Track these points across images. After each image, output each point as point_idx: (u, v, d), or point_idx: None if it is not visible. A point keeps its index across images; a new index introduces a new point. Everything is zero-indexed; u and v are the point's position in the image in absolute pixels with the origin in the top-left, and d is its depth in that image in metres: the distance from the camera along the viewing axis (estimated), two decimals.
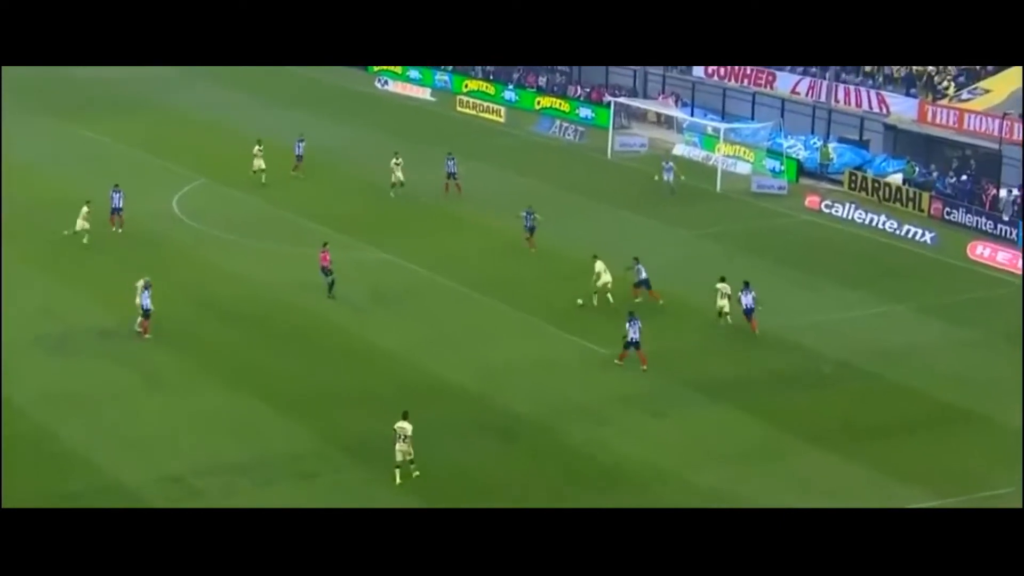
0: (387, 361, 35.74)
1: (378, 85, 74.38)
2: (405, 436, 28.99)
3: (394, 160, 50.72)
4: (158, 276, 37.37)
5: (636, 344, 35.02)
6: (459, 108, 68.63)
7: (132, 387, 33.86)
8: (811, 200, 52.46)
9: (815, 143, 58.60)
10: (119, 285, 39.17)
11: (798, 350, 37.15)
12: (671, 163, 53.23)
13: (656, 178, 52.88)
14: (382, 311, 39.74)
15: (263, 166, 51.63)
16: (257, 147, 52.24)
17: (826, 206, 51.79)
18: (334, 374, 34.84)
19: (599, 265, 39.33)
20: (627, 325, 35.08)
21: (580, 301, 39.37)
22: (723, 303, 38.02)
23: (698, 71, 65.30)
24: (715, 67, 64.06)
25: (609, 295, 39.30)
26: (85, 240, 43.52)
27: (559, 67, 72.37)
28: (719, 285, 38.30)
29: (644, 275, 39.50)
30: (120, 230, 45.20)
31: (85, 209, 43.82)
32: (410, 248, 45.15)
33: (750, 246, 46.92)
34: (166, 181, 52.45)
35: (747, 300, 37.82)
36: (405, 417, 29.23)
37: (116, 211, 45.22)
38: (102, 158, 57.01)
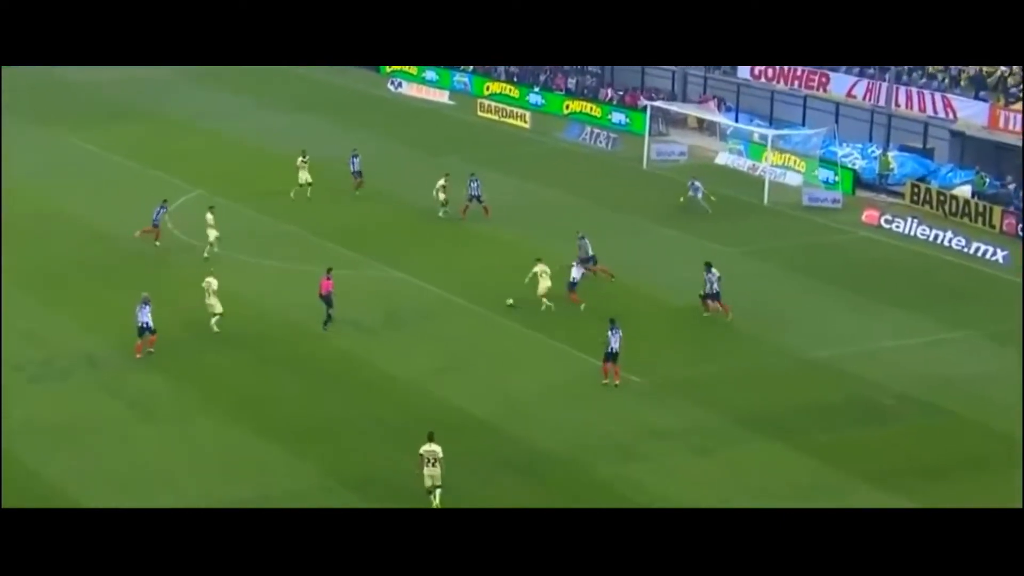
0: (399, 389, 35.96)
1: (391, 88, 74.85)
2: (435, 459, 29.21)
3: (441, 182, 50.99)
4: (150, 295, 37.71)
5: (614, 356, 35.46)
6: (480, 113, 68.98)
7: (122, 418, 34.14)
8: (869, 215, 52.53)
9: (873, 151, 58.68)
10: (108, 306, 39.57)
11: (853, 380, 37.19)
12: (698, 182, 52.55)
13: (681, 199, 52.51)
14: (393, 335, 39.99)
15: (309, 179, 52.65)
16: (301, 159, 52.96)
17: (886, 221, 51.85)
18: (341, 403, 35.06)
19: (539, 267, 40.84)
20: (608, 333, 35.60)
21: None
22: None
23: (743, 72, 65.43)
24: (762, 67, 64.21)
25: (546, 299, 40.58)
26: (205, 254, 44.99)
27: (589, 68, 72.69)
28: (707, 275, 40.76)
29: (590, 251, 41.42)
30: (158, 243, 46.73)
31: (209, 216, 45.84)
32: (424, 266, 45.43)
33: (801, 265, 47.04)
34: (159, 192, 52.84)
35: (713, 283, 39.98)
36: (431, 439, 29.45)
37: (154, 225, 46.89)
38: (92, 167, 57.61)
